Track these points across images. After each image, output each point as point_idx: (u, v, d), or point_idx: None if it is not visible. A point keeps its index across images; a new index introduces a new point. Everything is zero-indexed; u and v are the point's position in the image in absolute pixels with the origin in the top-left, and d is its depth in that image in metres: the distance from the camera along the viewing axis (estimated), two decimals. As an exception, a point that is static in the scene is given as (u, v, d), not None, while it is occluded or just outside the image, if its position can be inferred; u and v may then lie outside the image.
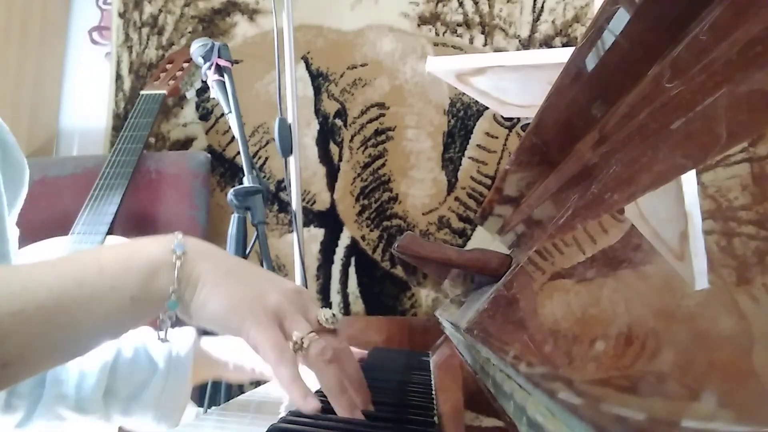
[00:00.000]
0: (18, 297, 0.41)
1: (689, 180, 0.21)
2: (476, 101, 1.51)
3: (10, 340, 0.40)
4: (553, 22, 1.60)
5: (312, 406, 0.43)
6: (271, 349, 0.44)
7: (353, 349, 0.60)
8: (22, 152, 0.62)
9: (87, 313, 0.43)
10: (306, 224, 1.68)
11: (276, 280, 0.50)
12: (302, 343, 0.45)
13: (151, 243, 0.47)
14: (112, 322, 0.45)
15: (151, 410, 0.68)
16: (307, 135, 1.71)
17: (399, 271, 1.61)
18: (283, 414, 0.48)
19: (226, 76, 1.25)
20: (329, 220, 1.68)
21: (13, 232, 0.62)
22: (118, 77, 1.89)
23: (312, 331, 0.47)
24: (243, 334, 0.46)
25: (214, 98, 1.27)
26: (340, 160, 1.70)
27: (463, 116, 1.63)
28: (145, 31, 1.89)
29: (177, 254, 0.46)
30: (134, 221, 1.56)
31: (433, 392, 0.61)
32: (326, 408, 0.46)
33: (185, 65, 1.68)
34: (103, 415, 0.67)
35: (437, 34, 1.67)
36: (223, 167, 1.77)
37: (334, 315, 0.49)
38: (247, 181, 1.19)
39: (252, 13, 1.81)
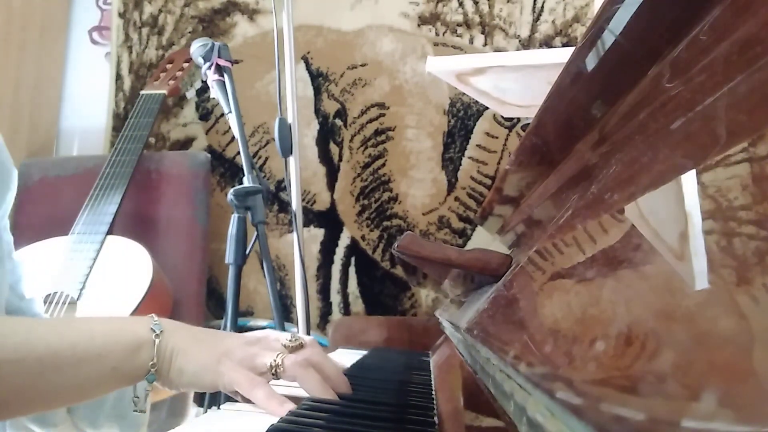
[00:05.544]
0: (19, 347, 0.47)
1: (689, 180, 0.21)
2: (476, 101, 1.51)
3: (3, 384, 0.46)
4: (553, 22, 1.60)
5: (288, 408, 0.48)
6: (243, 381, 0.51)
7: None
8: (9, 155, 0.62)
9: (73, 373, 0.50)
10: (306, 224, 1.68)
11: (237, 337, 0.57)
12: (276, 363, 0.53)
13: (135, 322, 0.55)
14: (92, 385, 0.52)
15: (116, 420, 0.69)
16: (307, 135, 1.71)
17: (399, 271, 1.61)
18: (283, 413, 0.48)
19: (226, 76, 1.25)
20: (329, 220, 1.68)
21: (8, 239, 0.63)
22: (118, 77, 1.89)
23: (280, 353, 0.54)
24: (219, 385, 0.53)
25: (214, 98, 1.27)
26: (340, 160, 1.70)
27: (463, 116, 1.63)
28: (145, 31, 1.89)
29: (156, 332, 0.53)
30: (134, 221, 1.56)
31: (433, 392, 0.61)
32: (326, 408, 0.47)
33: (185, 65, 1.68)
34: (72, 427, 0.68)
35: (437, 34, 1.67)
36: (223, 167, 1.77)
37: (293, 335, 0.57)
38: (247, 181, 1.19)
39: (252, 13, 1.81)
